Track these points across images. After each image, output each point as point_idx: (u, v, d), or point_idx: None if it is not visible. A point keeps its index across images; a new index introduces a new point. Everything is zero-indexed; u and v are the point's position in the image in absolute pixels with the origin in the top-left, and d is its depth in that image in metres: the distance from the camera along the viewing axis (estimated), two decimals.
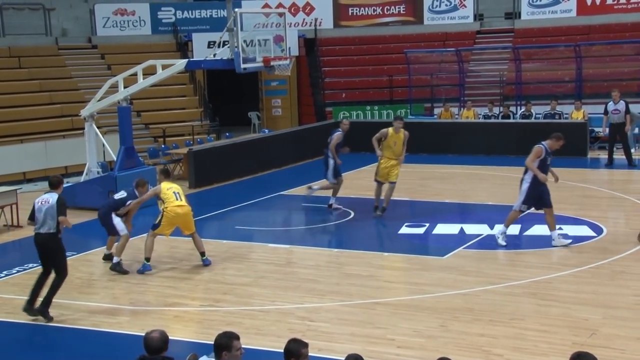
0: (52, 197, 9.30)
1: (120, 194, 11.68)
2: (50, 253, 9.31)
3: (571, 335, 8.38)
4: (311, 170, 20.23)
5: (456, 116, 23.19)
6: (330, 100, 26.81)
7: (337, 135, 15.34)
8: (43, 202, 9.32)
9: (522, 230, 13.01)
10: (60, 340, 8.99)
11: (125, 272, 11.19)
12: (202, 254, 11.53)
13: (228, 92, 27.98)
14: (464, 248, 12.17)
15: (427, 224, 13.73)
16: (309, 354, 5.63)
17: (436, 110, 24.38)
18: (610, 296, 9.65)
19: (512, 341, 8.34)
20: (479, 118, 22.54)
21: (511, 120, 22.12)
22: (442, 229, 13.49)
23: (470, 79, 25.55)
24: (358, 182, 18.21)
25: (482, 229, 13.25)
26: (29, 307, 9.28)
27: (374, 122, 24.27)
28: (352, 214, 14.81)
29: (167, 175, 11.80)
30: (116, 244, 11.55)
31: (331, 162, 15.22)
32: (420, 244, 12.90)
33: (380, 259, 11.74)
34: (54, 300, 9.94)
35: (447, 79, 25.57)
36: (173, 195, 11.25)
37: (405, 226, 13.75)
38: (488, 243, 12.43)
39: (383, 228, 13.84)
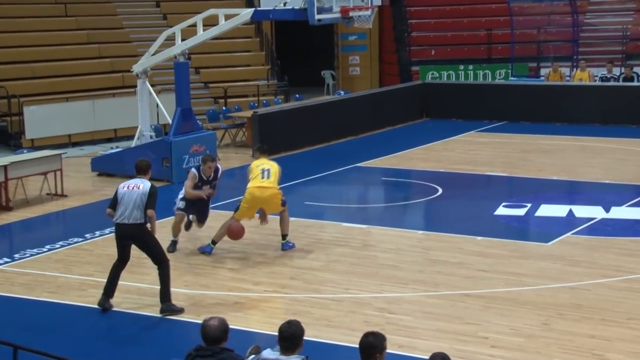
0: (144, 184, 9.32)
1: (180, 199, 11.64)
2: (143, 245, 9.41)
3: None
4: (393, 138, 20.17)
5: (567, 78, 22.68)
6: (417, 58, 26.54)
7: None
8: (132, 187, 9.31)
9: None
10: (105, 322, 9.24)
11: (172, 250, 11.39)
12: (284, 236, 11.58)
13: (299, 47, 28.02)
14: (572, 234, 11.95)
15: (529, 205, 13.52)
16: (388, 350, 5.63)
17: (543, 71, 23.90)
18: None
19: (630, 345, 8.16)
20: (595, 80, 21.96)
21: (635, 84, 21.50)
22: (546, 210, 13.27)
23: (586, 34, 24.91)
24: (446, 155, 18.03)
25: (595, 212, 12.99)
26: (104, 300, 9.40)
27: (469, 84, 24.01)
28: (440, 191, 14.69)
29: (262, 151, 11.72)
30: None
31: None
32: (520, 227, 12.73)
33: (472, 244, 11.62)
34: (99, 279, 10.22)
35: (558, 33, 25.00)
36: (260, 173, 11.24)
37: (503, 206, 13.56)
38: (602, 228, 12.17)
39: (476, 208, 13.70)
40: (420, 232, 12.54)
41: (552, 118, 21.13)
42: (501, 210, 13.38)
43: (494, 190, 15.01)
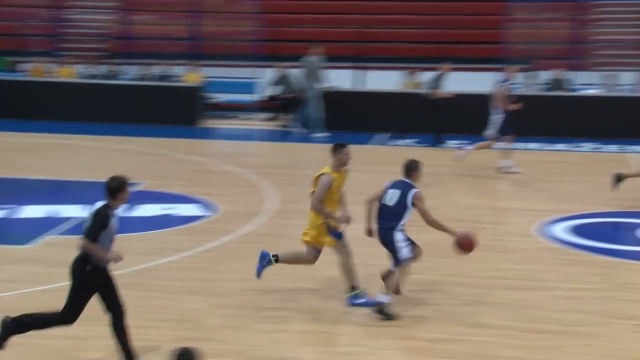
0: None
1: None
2: None
3: (173, 330, 8.72)
4: None
5: (51, 74, 22.88)
6: None
7: None
8: None
9: (128, 211, 13.23)
10: None
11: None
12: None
13: None
14: (59, 234, 12.04)
15: (12, 206, 13.35)
16: None
17: (26, 66, 23.78)
18: (217, 283, 10.24)
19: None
20: (81, 77, 22.49)
21: (120, 82, 22.41)
22: (31, 211, 13.23)
23: (70, 30, 25.30)
24: None
25: (80, 211, 13.18)
26: None
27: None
28: None
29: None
30: None
31: None
32: None
33: None
34: None
35: (41, 27, 24.99)
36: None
37: None
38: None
39: None
40: None
41: (41, 116, 21.08)
42: None
43: None
